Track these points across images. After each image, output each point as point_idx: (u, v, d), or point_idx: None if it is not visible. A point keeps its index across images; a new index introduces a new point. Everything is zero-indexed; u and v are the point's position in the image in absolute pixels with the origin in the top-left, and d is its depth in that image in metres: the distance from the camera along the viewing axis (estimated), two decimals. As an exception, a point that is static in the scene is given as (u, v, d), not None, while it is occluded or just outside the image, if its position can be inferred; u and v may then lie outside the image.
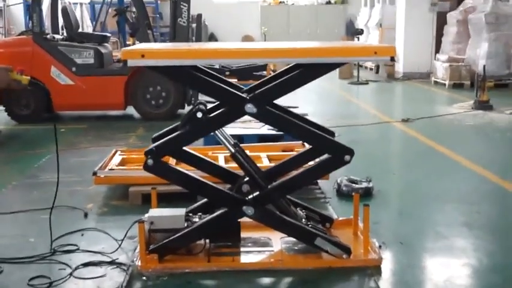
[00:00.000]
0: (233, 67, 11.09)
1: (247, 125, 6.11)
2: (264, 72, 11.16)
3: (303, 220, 3.42)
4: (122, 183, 4.56)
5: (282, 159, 3.81)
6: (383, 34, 15.85)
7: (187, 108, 7.68)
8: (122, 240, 3.49)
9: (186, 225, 3.26)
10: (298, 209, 3.56)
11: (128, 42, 10.13)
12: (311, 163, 3.46)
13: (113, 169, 4.67)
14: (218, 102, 3.34)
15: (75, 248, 3.47)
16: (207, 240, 3.30)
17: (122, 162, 4.93)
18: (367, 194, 4.49)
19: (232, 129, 5.12)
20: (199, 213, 3.39)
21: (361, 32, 15.61)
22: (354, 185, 4.56)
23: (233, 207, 3.21)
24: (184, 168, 3.48)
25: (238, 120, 3.30)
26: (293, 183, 3.31)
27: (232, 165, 3.75)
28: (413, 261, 3.36)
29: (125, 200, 4.38)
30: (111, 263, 3.25)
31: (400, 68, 14.54)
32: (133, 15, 9.52)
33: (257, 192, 3.21)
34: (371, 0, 18.03)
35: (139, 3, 8.65)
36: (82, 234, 3.72)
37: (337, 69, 14.99)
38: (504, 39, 12.06)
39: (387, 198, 4.58)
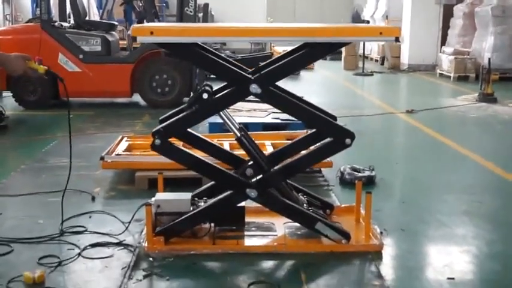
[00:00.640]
0: (239, 56, 11.13)
1: (252, 114, 6.20)
2: (270, 61, 11.18)
3: (304, 205, 3.49)
4: (128, 168, 4.64)
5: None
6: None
7: (193, 96, 7.71)
8: (129, 222, 3.56)
9: (191, 209, 3.33)
10: (300, 194, 3.63)
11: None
12: (312, 147, 3.52)
13: (120, 154, 4.75)
14: (223, 85, 3.40)
15: (83, 229, 3.55)
16: (212, 224, 3.37)
17: (128, 148, 5.00)
18: (369, 182, 4.55)
19: (238, 117, 5.20)
20: (205, 198, 3.46)
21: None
22: (356, 173, 4.61)
23: (237, 190, 3.27)
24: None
25: (244, 108, 3.36)
26: (295, 166, 3.37)
27: (237, 152, 3.82)
28: (414, 248, 3.42)
29: (131, 184, 4.45)
30: (119, 244, 3.32)
31: (405, 59, 14.56)
32: (140, 4, 9.55)
33: (260, 176, 3.27)
34: (378, -9, 18.02)
35: (146, -8, 8.69)
36: (90, 217, 3.79)
37: (343, 61, 15.03)
38: (510, 33, 12.06)
39: (389, 187, 4.64)
